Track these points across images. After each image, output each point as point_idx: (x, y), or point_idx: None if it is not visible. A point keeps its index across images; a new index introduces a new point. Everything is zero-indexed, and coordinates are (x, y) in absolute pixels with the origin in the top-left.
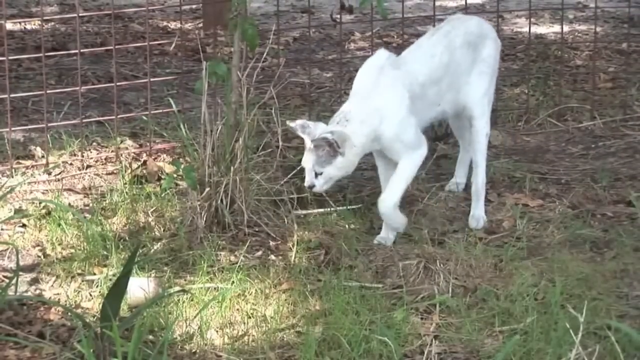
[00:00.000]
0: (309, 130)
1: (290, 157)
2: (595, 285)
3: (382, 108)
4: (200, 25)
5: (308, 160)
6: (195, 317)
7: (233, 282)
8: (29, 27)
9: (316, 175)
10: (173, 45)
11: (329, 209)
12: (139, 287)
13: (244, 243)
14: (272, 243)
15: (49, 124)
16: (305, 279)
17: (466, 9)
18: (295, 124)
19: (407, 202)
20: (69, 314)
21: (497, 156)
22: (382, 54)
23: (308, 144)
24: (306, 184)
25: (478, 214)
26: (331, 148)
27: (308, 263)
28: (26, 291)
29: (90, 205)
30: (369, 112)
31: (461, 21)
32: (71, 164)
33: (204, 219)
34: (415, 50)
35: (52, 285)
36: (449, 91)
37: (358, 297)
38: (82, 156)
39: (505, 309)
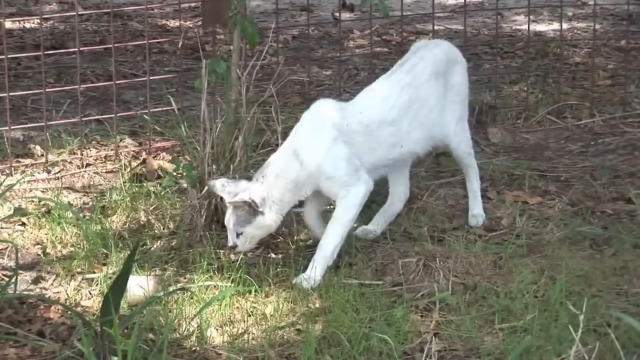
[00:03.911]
0: (229, 189)
1: None
2: (595, 282)
3: (300, 149)
4: (200, 23)
5: (228, 220)
6: (195, 315)
7: (233, 280)
8: (28, 25)
9: (238, 235)
10: (180, 45)
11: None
12: (139, 285)
13: None
14: (271, 241)
15: (48, 123)
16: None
17: (465, 7)
18: (214, 183)
19: (406, 200)
20: (69, 312)
21: (496, 154)
22: (317, 105)
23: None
24: (228, 244)
25: (477, 212)
26: (250, 208)
27: (308, 261)
28: (26, 290)
29: (90, 203)
30: (285, 162)
31: (428, 49)
32: (70, 162)
33: (204, 217)
34: (365, 93)
35: (52, 284)
36: (415, 130)
37: (358, 295)
38: (82, 155)
39: (505, 306)
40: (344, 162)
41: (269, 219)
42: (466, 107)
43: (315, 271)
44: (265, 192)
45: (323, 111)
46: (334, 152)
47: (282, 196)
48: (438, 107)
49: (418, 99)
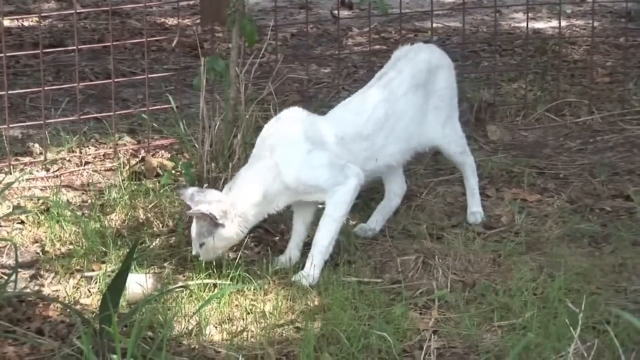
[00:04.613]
0: (197, 198)
1: None
2: (594, 279)
3: (277, 162)
4: (198, 21)
5: (192, 230)
6: (194, 313)
7: (231, 277)
8: (26, 23)
9: (200, 245)
10: (175, 42)
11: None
12: (138, 283)
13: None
14: (270, 239)
15: (47, 121)
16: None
17: (464, 4)
18: (184, 192)
19: (405, 198)
20: (68, 310)
21: (495, 151)
22: (286, 115)
23: None
24: (192, 253)
25: (476, 210)
26: (211, 220)
27: (307, 258)
28: (25, 288)
29: (89, 201)
30: (255, 174)
31: (408, 59)
32: (69, 160)
33: None
34: (341, 105)
35: (50, 282)
36: (391, 144)
37: (357, 293)
38: (80, 153)
39: (504, 303)
40: (325, 169)
41: (231, 232)
42: (454, 107)
43: (313, 268)
44: (229, 204)
45: (293, 122)
46: (311, 163)
47: (248, 209)
48: (417, 118)
49: (394, 113)
